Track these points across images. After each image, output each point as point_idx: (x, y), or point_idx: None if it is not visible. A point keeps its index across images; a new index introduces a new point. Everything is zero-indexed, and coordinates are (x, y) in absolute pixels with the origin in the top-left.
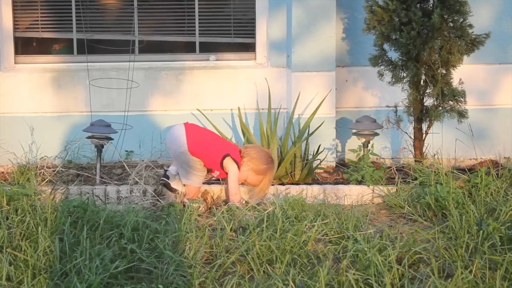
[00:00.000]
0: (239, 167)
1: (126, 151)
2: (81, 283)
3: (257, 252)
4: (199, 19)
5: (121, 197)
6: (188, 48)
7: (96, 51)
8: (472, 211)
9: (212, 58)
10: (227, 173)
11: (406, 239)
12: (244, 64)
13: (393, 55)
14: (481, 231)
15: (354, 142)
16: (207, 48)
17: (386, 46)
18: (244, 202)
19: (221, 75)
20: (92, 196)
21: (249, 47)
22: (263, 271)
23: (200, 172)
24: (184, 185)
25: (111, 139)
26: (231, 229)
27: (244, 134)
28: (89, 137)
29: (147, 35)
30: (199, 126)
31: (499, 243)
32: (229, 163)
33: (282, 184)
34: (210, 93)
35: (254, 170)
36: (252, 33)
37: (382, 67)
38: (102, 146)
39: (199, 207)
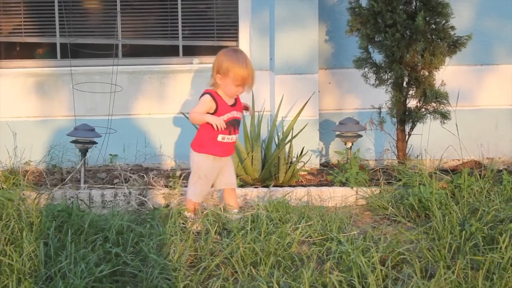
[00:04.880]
0: (214, 96)
1: (111, 155)
2: (66, 287)
3: (241, 254)
4: (182, 23)
5: (106, 200)
6: (172, 51)
7: (79, 55)
8: (455, 211)
9: (195, 62)
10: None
11: (389, 240)
12: None
13: (377, 57)
14: (464, 232)
15: (338, 144)
16: (191, 51)
17: (370, 48)
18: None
19: (205, 78)
20: (76, 200)
21: None
22: (248, 274)
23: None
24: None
25: (95, 143)
26: (215, 232)
27: None
28: (73, 141)
29: (130, 39)
30: None
31: (482, 243)
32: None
33: (266, 186)
34: (194, 96)
35: (224, 74)
36: (235, 36)
37: (366, 69)
38: (86, 150)
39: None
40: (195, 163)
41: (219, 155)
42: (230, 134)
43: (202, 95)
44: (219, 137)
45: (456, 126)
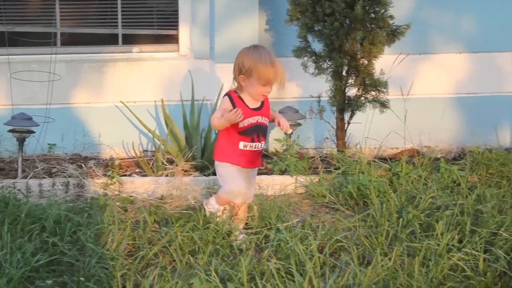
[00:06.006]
0: (233, 98)
1: (49, 144)
2: (2, 277)
3: (179, 243)
4: (121, 11)
5: (44, 190)
6: (111, 40)
7: (17, 43)
8: (393, 199)
9: (135, 50)
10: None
11: (327, 228)
12: (167, 56)
13: (316, 46)
14: (401, 219)
15: (278, 132)
16: (130, 40)
17: (309, 38)
18: None
19: (145, 67)
20: (13, 190)
21: (173, 39)
22: (186, 262)
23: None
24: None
25: (33, 132)
26: (154, 221)
27: (167, 126)
28: (10, 131)
29: (69, 27)
30: None
31: (419, 231)
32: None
33: (205, 175)
34: (133, 85)
35: (247, 74)
36: (175, 25)
37: (305, 58)
38: (24, 140)
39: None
40: (219, 172)
41: (243, 165)
42: (253, 141)
43: (224, 97)
44: (241, 145)
45: (395, 113)
